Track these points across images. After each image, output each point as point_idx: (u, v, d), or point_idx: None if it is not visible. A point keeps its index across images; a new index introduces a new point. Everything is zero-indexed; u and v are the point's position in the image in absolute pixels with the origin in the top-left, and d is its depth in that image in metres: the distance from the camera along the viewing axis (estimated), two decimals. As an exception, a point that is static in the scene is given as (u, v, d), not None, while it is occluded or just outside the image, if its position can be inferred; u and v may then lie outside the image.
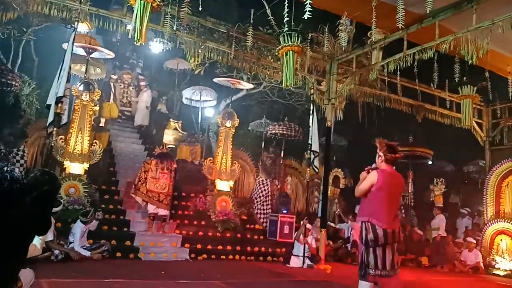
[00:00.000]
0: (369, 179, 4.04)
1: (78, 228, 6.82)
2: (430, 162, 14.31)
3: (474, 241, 10.02)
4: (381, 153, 4.21)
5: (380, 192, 3.97)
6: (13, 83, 9.44)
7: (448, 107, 10.17)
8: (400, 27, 6.37)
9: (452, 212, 13.05)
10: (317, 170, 8.60)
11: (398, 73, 8.44)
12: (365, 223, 3.97)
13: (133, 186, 8.65)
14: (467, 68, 7.99)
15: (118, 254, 7.51)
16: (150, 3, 5.68)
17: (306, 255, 8.07)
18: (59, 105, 7.36)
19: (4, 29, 10.11)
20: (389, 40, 7.80)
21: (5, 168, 0.71)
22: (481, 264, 9.76)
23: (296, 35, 6.64)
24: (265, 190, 10.52)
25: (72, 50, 7.54)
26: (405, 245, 10.08)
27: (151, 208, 8.50)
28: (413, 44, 7.69)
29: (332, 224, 10.91)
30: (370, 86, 9.57)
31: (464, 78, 8.66)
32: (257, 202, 10.50)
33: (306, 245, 8.11)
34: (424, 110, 10.38)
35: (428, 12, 6.14)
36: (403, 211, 11.69)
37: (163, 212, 8.53)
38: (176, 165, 9.09)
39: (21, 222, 0.67)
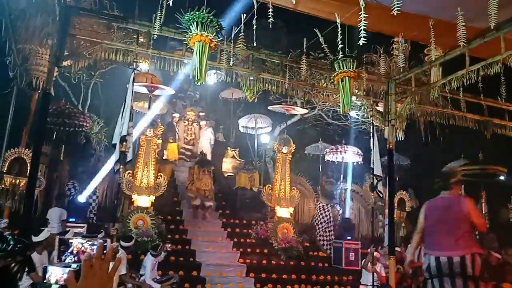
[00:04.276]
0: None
1: (148, 261, 7.07)
2: (501, 178, 13.32)
3: None
4: None
5: (426, 221, 4.05)
6: (84, 123, 10.19)
7: (519, 120, 9.48)
8: (462, 44, 6.11)
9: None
10: (381, 195, 8.33)
11: (461, 89, 8.05)
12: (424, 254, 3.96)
13: (186, 187, 10.42)
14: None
15: (186, 285, 7.70)
16: (208, 44, 5.93)
17: (375, 284, 7.76)
18: (124, 143, 7.81)
19: (75, 75, 10.99)
20: (450, 57, 7.49)
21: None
22: None
23: (351, 60, 6.60)
24: (326, 215, 10.33)
25: (133, 90, 8.02)
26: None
27: (197, 202, 10.11)
28: (475, 58, 7.32)
29: (398, 249, 10.41)
30: (431, 104, 9.18)
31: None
32: (319, 228, 10.33)
33: (375, 274, 7.80)
34: (492, 126, 9.74)
35: (492, 27, 5.85)
36: (476, 233, 10.90)
37: (208, 203, 10.19)
38: (214, 168, 11.03)
39: None
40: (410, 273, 9.36)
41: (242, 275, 8.52)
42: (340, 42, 6.20)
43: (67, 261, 3.02)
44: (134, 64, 7.96)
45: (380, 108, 9.25)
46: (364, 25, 5.01)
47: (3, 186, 8.16)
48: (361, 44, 5.37)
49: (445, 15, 6.44)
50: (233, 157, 13.25)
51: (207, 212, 10.32)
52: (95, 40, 7.24)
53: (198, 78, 5.86)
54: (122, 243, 6.74)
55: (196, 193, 10.20)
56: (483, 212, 11.48)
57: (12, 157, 8.31)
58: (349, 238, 9.57)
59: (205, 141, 12.85)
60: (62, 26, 6.39)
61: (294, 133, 12.47)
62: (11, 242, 1.35)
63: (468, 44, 6.89)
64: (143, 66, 10.98)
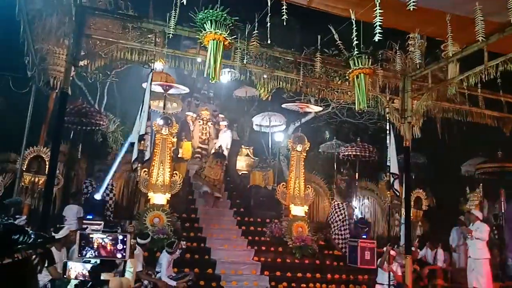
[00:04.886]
0: None
1: (164, 259, 7.14)
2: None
3: None
4: None
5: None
6: (101, 122, 10.33)
7: (540, 117, 9.25)
8: (480, 39, 5.99)
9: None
10: (398, 194, 8.23)
11: (479, 85, 7.90)
12: None
13: (196, 173, 10.77)
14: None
15: (201, 283, 7.74)
16: (222, 42, 5.94)
17: (391, 283, 7.68)
18: (142, 142, 7.89)
19: (92, 74, 11.14)
20: (468, 53, 7.36)
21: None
22: None
23: (366, 57, 6.53)
24: (341, 214, 10.27)
25: (150, 90, 8.09)
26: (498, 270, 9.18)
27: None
28: (494, 54, 7.18)
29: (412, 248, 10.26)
30: (448, 100, 9.03)
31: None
32: (334, 226, 10.27)
33: (391, 273, 7.72)
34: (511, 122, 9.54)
35: (511, 21, 5.72)
36: (495, 232, 10.69)
37: (217, 195, 10.60)
38: (228, 162, 11.54)
39: None
40: (426, 274, 9.27)
41: (257, 273, 8.54)
42: (355, 38, 6.15)
43: (87, 256, 3.09)
44: (151, 63, 8.03)
45: (396, 105, 9.14)
46: (379, 21, 4.94)
47: (22, 184, 8.33)
48: (376, 40, 5.30)
49: (461, 9, 6.32)
50: (247, 155, 13.26)
51: (216, 204, 10.66)
52: (110, 39, 7.33)
53: (213, 76, 5.88)
54: (139, 240, 6.82)
55: (205, 182, 10.55)
56: (502, 211, 11.25)
57: (31, 156, 8.47)
58: (365, 236, 9.50)
59: (223, 144, 12.54)
60: (78, 26, 6.48)
61: (308, 131, 12.42)
62: (32, 236, 1.38)
63: (486, 39, 6.75)
64: (158, 65, 11.09)
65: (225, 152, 12.44)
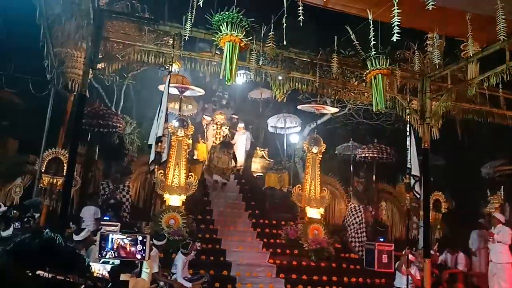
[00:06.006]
0: None
1: (180, 260, 7.15)
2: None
3: None
4: None
5: None
6: (118, 124, 10.43)
7: None
8: (502, 38, 5.84)
9: None
10: (419, 196, 8.05)
11: (500, 85, 7.71)
12: None
13: (207, 164, 11.28)
14: None
15: (217, 285, 7.73)
16: (238, 44, 5.93)
17: (409, 287, 7.53)
18: (159, 144, 7.92)
19: (109, 77, 11.26)
20: (488, 52, 7.20)
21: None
22: None
23: (384, 57, 6.44)
24: (358, 217, 10.14)
25: (168, 92, 8.12)
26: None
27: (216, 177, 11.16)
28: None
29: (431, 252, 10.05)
30: (468, 101, 8.84)
31: None
32: (350, 229, 10.15)
33: (409, 277, 7.58)
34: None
35: (535, 19, 5.56)
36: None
37: (224, 181, 11.21)
38: (234, 150, 11.75)
39: None
40: (445, 278, 9.07)
41: (272, 276, 8.49)
42: (372, 38, 6.07)
43: (107, 256, 3.11)
44: (169, 66, 8.06)
45: (415, 106, 8.99)
46: (397, 21, 4.86)
47: (41, 185, 8.47)
48: (394, 40, 5.21)
49: (481, 8, 6.18)
50: (262, 157, 13.23)
51: (224, 188, 11.31)
52: (127, 42, 7.39)
53: (229, 78, 5.88)
54: (155, 241, 6.84)
55: (215, 171, 11.03)
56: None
57: (50, 157, 8.60)
58: (382, 240, 9.36)
59: (241, 146, 12.44)
60: (96, 29, 6.55)
61: (324, 132, 12.31)
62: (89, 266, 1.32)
63: (508, 38, 6.57)
64: (173, 67, 11.13)
65: (243, 154, 12.41)
